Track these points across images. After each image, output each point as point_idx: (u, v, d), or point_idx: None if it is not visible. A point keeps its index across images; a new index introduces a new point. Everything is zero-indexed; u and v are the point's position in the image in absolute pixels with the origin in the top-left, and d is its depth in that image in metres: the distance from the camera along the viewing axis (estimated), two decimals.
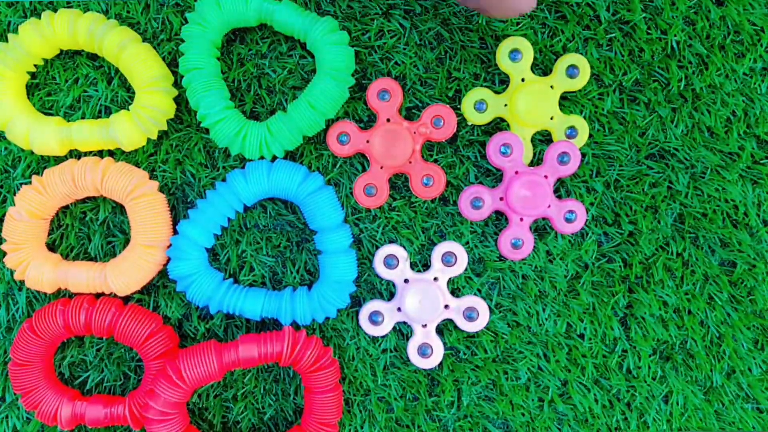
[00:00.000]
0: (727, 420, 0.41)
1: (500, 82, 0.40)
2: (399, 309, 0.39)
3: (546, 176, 0.38)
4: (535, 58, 0.40)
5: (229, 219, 0.40)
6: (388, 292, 0.40)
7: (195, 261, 0.38)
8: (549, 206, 0.38)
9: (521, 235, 0.39)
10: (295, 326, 0.40)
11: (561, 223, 0.39)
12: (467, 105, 0.39)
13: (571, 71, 0.38)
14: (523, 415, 0.40)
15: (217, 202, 0.38)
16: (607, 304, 0.40)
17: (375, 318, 0.39)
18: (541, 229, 0.40)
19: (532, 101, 0.38)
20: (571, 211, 0.39)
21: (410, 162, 0.39)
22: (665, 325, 0.40)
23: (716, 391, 0.41)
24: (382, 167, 0.39)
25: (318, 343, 0.37)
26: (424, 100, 0.40)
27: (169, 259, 0.39)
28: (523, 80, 0.39)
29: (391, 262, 0.39)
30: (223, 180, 0.40)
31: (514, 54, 0.39)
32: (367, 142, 0.39)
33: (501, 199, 0.39)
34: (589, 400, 0.40)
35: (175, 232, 0.39)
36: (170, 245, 0.39)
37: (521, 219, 0.39)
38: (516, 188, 0.38)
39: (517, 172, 0.38)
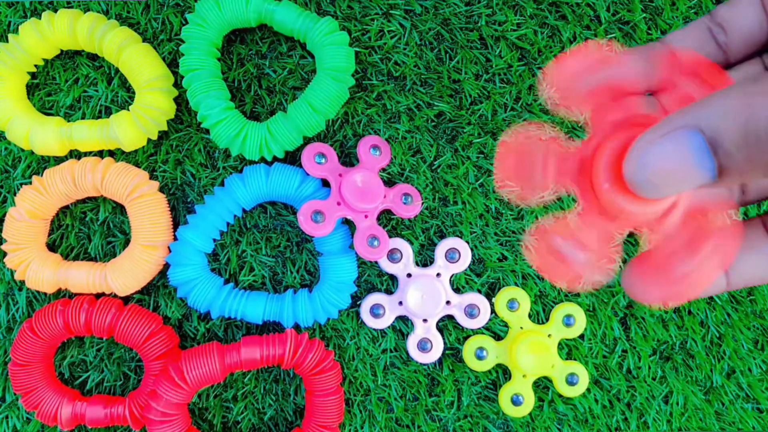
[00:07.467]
0: (727, 420, 0.41)
1: (500, 82, 0.40)
2: (400, 303, 0.39)
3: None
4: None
5: (228, 223, 0.40)
6: (389, 292, 0.40)
7: (195, 266, 0.38)
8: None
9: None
10: (297, 328, 0.40)
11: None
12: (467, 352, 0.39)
13: (567, 320, 0.39)
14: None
15: (216, 207, 0.38)
16: (607, 304, 0.40)
17: (376, 311, 0.39)
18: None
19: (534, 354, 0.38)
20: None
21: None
22: (665, 325, 0.40)
23: (716, 391, 0.41)
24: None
25: (320, 347, 0.37)
26: (425, 100, 0.40)
27: None
28: (521, 328, 0.39)
29: (394, 256, 0.40)
30: (222, 184, 0.40)
31: (512, 303, 0.39)
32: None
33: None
34: (589, 400, 0.40)
35: (175, 238, 0.39)
36: (170, 251, 0.39)
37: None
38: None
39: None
